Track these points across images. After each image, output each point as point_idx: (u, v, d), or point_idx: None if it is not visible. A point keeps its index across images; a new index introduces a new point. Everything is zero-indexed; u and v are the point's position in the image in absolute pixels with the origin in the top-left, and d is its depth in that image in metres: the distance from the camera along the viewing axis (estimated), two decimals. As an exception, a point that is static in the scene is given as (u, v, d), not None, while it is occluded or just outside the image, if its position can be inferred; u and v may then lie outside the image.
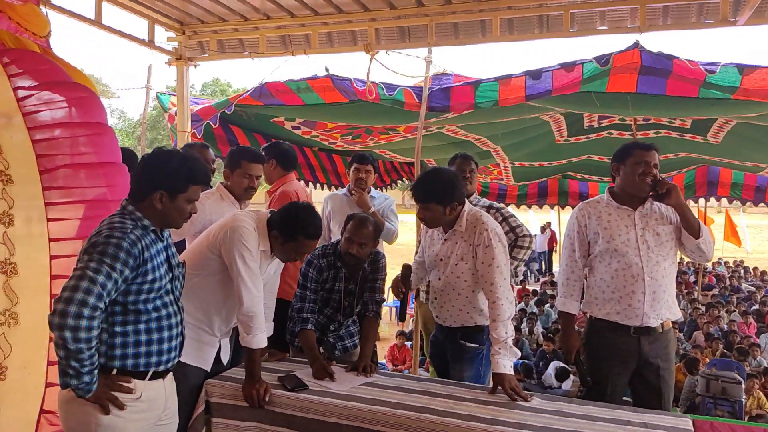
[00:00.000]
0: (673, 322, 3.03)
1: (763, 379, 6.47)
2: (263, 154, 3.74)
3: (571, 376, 6.70)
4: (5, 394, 2.93)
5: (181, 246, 3.12)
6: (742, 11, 3.99)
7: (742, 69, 3.69)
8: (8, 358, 2.94)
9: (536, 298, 10.95)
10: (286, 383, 2.72)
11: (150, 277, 2.10)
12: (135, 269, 2.05)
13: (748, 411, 6.07)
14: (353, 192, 4.20)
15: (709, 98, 4.12)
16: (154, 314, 2.16)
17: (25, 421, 2.97)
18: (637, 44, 3.84)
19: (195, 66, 5.93)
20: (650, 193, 2.91)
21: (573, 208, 3.25)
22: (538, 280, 15.81)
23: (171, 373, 2.31)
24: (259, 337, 2.65)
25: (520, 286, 11.91)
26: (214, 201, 3.33)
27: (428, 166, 6.50)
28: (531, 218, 19.74)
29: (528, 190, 9.96)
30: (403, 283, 3.07)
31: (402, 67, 4.69)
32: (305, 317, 3.11)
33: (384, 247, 3.98)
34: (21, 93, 3.03)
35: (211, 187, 3.44)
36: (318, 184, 7.86)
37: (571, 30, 4.63)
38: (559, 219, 15.15)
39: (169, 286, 2.21)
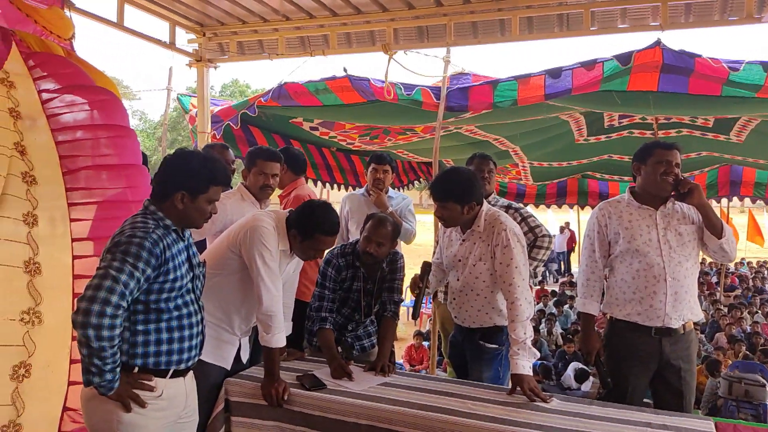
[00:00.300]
0: (695, 324, 3.00)
1: (788, 382, 6.35)
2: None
3: (591, 378, 6.63)
4: (30, 391, 2.98)
5: (202, 246, 3.16)
6: None
7: (767, 66, 3.63)
8: (32, 357, 2.99)
9: (555, 298, 10.87)
10: (304, 382, 2.73)
11: (171, 276, 2.13)
12: (157, 268, 2.08)
13: (773, 414, 5.97)
14: (371, 192, 4.20)
15: (732, 96, 4.06)
16: (175, 313, 2.18)
17: (50, 418, 3.02)
18: (658, 42, 3.80)
19: (215, 68, 5.99)
20: (672, 193, 2.88)
21: (593, 208, 3.22)
22: (557, 281, 15.69)
23: (191, 372, 2.33)
24: (278, 336, 2.67)
25: (538, 287, 11.84)
26: (234, 201, 3.37)
27: (446, 167, 6.48)
28: (550, 218, 19.62)
29: (547, 189, 9.89)
30: (421, 280, 3.06)
31: (420, 67, 4.69)
32: (324, 316, 3.12)
33: (401, 247, 3.98)
34: (45, 95, 3.09)
35: (232, 187, 3.48)
36: (336, 185, 7.87)
37: (591, 28, 4.60)
38: (579, 219, 15.01)
39: (190, 285, 2.24)
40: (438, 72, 4.62)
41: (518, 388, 2.65)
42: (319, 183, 7.63)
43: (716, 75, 3.80)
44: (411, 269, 3.51)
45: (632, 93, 4.31)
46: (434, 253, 3.47)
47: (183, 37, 5.77)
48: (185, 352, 2.22)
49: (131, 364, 2.12)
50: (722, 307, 9.76)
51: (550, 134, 6.58)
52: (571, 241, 18.15)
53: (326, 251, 2.98)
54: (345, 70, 4.65)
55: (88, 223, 3.10)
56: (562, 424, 2.37)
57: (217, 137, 5.30)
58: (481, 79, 4.71)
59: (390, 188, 4.35)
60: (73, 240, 3.11)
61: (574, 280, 12.52)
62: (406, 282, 3.39)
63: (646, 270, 2.86)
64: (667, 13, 4.30)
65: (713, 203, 8.79)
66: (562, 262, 18.57)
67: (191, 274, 2.25)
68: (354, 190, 6.83)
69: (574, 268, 15.42)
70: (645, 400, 3.00)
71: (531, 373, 2.69)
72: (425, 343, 7.80)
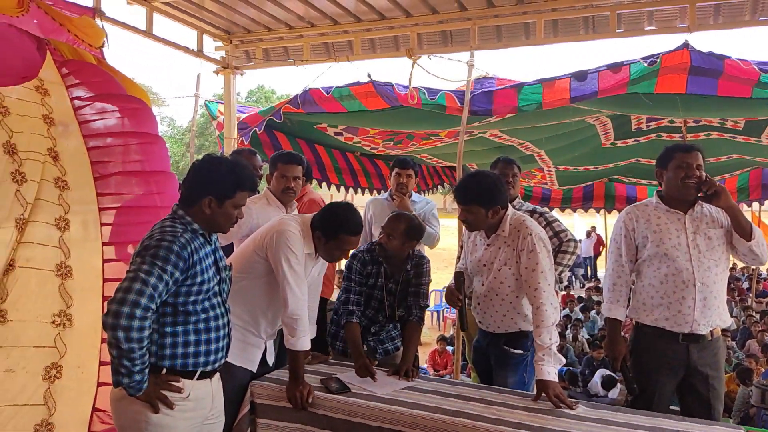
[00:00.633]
0: (724, 330, 2.94)
1: (823, 391, 6.17)
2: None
3: (618, 385, 6.54)
4: (61, 392, 3.04)
5: (228, 250, 3.20)
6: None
7: (799, 68, 3.57)
8: (63, 358, 3.06)
9: (581, 304, 10.74)
10: (328, 385, 2.74)
11: (199, 279, 2.16)
12: (185, 272, 2.11)
13: (807, 424, 5.81)
14: (394, 197, 4.21)
15: (763, 98, 3.99)
16: (203, 315, 2.21)
17: (80, 418, 3.08)
18: (686, 44, 3.75)
19: (241, 74, 6.07)
20: (699, 195, 2.83)
21: (620, 212, 3.18)
22: (584, 286, 15.49)
23: (218, 374, 2.36)
24: (303, 339, 2.69)
25: (564, 292, 11.71)
26: (260, 206, 3.42)
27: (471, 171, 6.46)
28: (577, 222, 19.38)
29: (573, 193, 9.79)
30: (458, 290, 3.05)
31: (444, 72, 4.69)
32: (351, 309, 3.15)
33: (425, 251, 3.98)
34: (77, 103, 3.16)
35: (259, 192, 3.53)
36: (360, 189, 7.89)
37: (617, 31, 4.55)
38: (606, 223, 14.83)
39: (216, 288, 2.27)
40: (462, 76, 4.62)
41: (543, 394, 2.63)
42: (342, 188, 7.66)
43: (746, 77, 3.74)
44: (435, 274, 3.50)
45: (660, 95, 4.26)
46: (458, 258, 3.45)
47: (210, 45, 5.88)
48: (212, 354, 2.25)
49: (159, 366, 2.15)
50: (754, 314, 9.52)
51: (575, 138, 6.52)
52: (598, 245, 17.91)
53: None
54: (369, 75, 4.68)
55: (111, 228, 3.18)
56: (588, 431, 2.34)
57: (246, 143, 5.37)
58: (505, 83, 4.69)
59: (414, 192, 4.36)
60: (103, 244, 3.18)
61: (600, 285, 12.35)
62: (435, 286, 3.38)
63: (675, 275, 2.82)
64: (695, 14, 4.23)
65: (744, 207, 8.60)
66: (588, 267, 18.33)
67: (218, 278, 2.28)
68: (379, 194, 6.84)
69: (601, 273, 15.22)
70: (671, 407, 2.94)
71: (556, 379, 2.66)
72: (449, 348, 7.77)
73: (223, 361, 2.34)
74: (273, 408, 2.75)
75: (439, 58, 4.93)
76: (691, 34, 4.05)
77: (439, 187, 9.27)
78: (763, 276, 14.34)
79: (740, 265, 16.71)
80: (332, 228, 2.74)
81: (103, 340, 3.05)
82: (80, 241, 3.16)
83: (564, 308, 10.12)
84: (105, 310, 2.01)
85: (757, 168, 8.02)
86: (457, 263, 3.53)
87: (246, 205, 2.37)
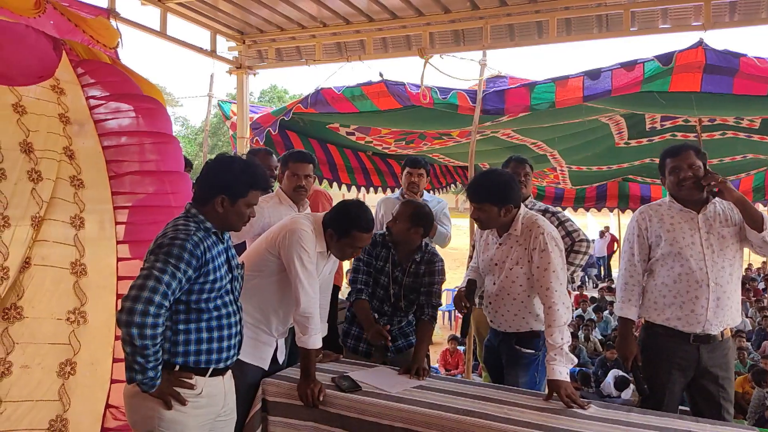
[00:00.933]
0: (739, 331, 2.92)
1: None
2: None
3: (631, 385, 6.49)
4: (75, 388, 3.08)
5: (241, 248, 3.22)
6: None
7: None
8: (77, 355, 3.09)
9: (594, 304, 10.68)
10: (339, 384, 2.75)
11: (211, 277, 2.18)
12: (197, 269, 2.13)
13: (824, 426, 5.73)
14: (405, 196, 4.21)
15: (780, 97, 3.95)
16: (215, 313, 2.23)
17: (93, 414, 3.12)
18: (701, 42, 3.72)
19: (254, 74, 6.10)
20: (704, 191, 2.81)
21: (633, 211, 3.17)
22: (597, 286, 15.38)
23: (230, 371, 2.38)
24: (315, 337, 2.70)
25: (577, 292, 11.64)
26: (272, 205, 3.44)
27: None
28: (590, 222, 19.27)
29: (586, 193, 9.74)
30: (467, 298, 3.04)
31: (456, 71, 4.69)
32: (359, 288, 3.22)
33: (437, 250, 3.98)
34: (93, 102, 3.20)
35: (272, 191, 3.54)
36: (372, 187, 7.90)
37: (631, 29, 4.52)
38: (619, 223, 14.72)
39: (229, 286, 2.29)
40: (474, 75, 4.61)
41: (555, 394, 2.62)
42: (353, 187, 7.68)
43: (763, 74, 3.71)
44: (446, 273, 3.50)
45: (674, 94, 4.23)
46: (470, 257, 3.45)
47: (223, 45, 5.92)
48: (224, 352, 2.26)
49: (172, 363, 2.17)
50: (770, 315, 9.41)
51: (588, 138, 6.49)
52: (612, 245, 17.78)
53: None
54: (381, 75, 4.69)
55: (125, 227, 3.21)
56: (599, 431, 2.33)
57: (260, 143, 5.40)
58: (517, 82, 4.68)
59: (425, 192, 4.36)
60: (117, 242, 3.21)
61: (613, 285, 12.26)
62: (445, 285, 3.38)
63: (689, 274, 2.80)
64: (710, 12, 4.19)
65: (760, 206, 8.50)
66: (602, 267, 18.20)
67: (230, 276, 2.30)
68: (392, 192, 6.84)
69: (615, 273, 15.10)
70: (681, 407, 2.92)
71: (568, 379, 2.65)
72: (460, 348, 7.75)
73: (235, 358, 2.36)
74: (284, 405, 2.76)
75: (452, 57, 4.93)
76: (706, 32, 4.02)
77: (451, 186, 9.25)
78: (779, 276, 14.17)
79: (756, 265, 16.55)
80: (344, 225, 2.75)
81: (116, 338, 3.07)
82: (95, 239, 3.20)
83: (577, 308, 10.06)
84: (119, 308, 2.04)
85: (774, 167, 7.94)
86: (469, 263, 3.52)
87: (258, 204, 2.39)
